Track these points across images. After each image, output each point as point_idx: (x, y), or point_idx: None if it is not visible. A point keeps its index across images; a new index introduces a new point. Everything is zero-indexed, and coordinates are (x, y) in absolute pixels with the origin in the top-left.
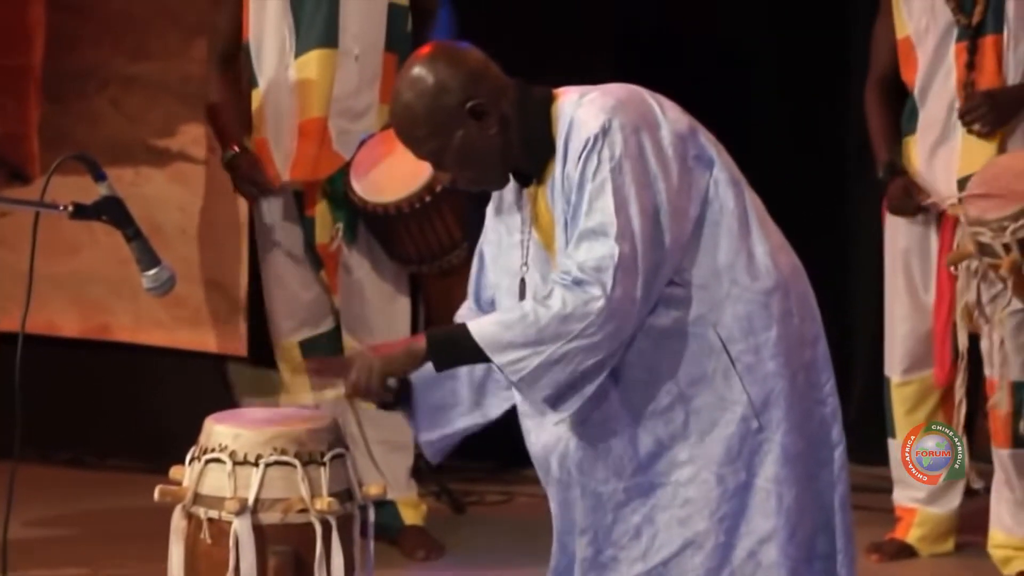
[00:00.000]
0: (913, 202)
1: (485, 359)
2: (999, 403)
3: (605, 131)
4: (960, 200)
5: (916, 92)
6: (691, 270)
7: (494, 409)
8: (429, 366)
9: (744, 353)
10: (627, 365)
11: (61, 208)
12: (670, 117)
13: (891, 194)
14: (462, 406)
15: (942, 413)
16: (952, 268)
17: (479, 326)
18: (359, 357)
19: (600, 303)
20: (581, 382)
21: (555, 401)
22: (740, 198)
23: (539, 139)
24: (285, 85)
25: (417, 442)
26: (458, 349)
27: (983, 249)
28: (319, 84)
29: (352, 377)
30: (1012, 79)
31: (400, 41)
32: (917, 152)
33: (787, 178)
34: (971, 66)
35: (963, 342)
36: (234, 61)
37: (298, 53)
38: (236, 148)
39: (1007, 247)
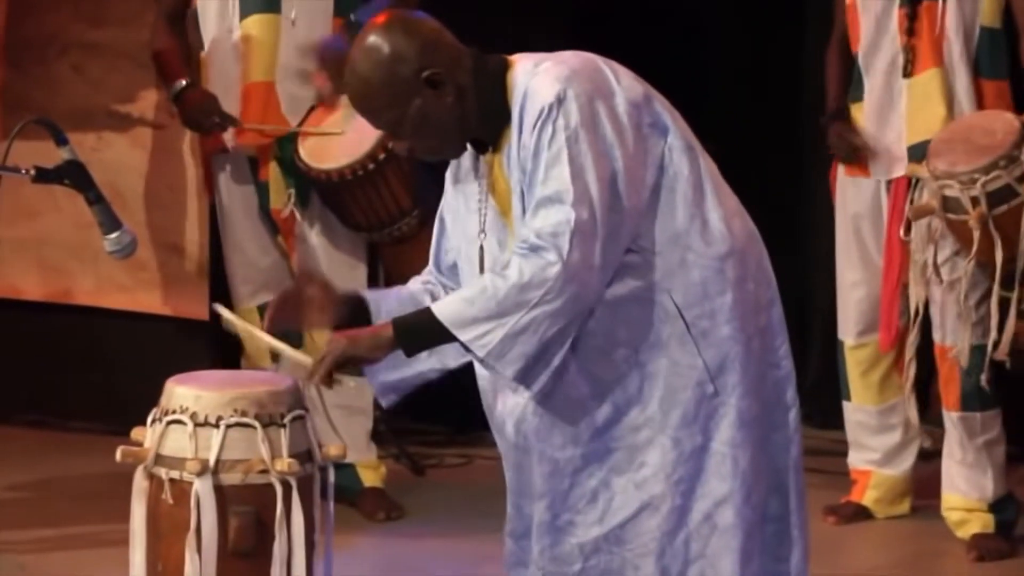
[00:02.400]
0: (846, 142)
1: (452, 339)
2: (960, 355)
3: (560, 100)
4: (920, 159)
5: (860, 58)
6: (647, 237)
7: (451, 359)
8: None
9: (699, 318)
10: (584, 334)
11: (23, 172)
12: (624, 85)
13: (829, 139)
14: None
15: (896, 375)
16: (903, 234)
17: (442, 306)
18: (330, 344)
19: (556, 268)
20: (546, 353)
21: (524, 375)
22: (695, 164)
23: (495, 107)
24: (229, 49)
25: (377, 401)
26: (424, 333)
27: (948, 204)
28: (261, 48)
29: (319, 360)
30: (953, 45)
31: (350, 7)
32: (864, 118)
33: (744, 143)
34: (911, 31)
35: (917, 302)
36: (181, 21)
37: (241, 16)
38: (184, 81)
39: (975, 200)
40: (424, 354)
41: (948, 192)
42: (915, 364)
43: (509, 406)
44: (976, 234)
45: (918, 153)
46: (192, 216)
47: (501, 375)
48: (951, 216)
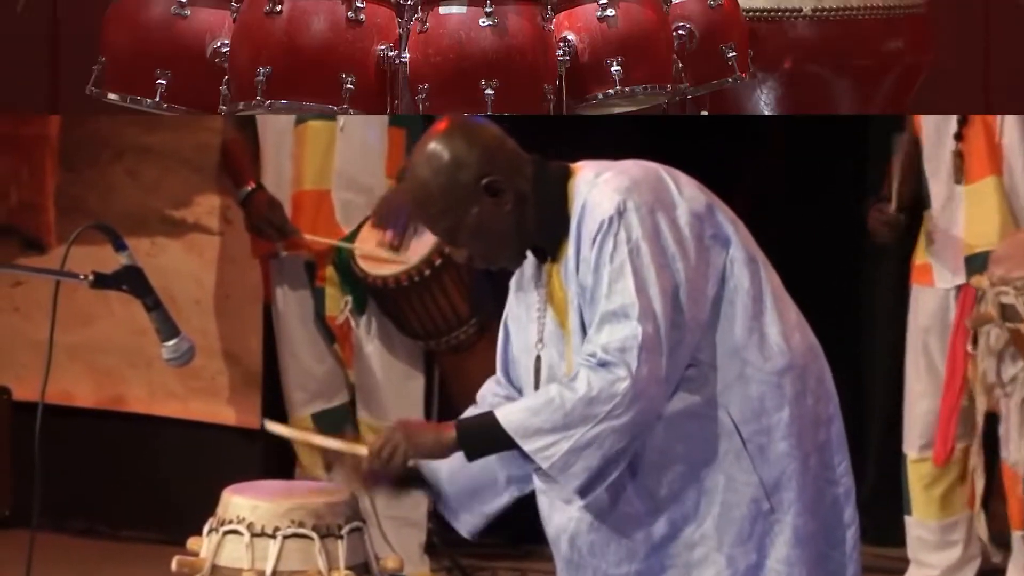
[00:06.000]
0: (881, 221)
1: (515, 447)
2: (1018, 466)
3: (620, 213)
4: (980, 269)
5: (925, 165)
6: (705, 350)
7: (528, 484)
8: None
9: (756, 434)
10: (641, 450)
11: (81, 277)
12: (687, 195)
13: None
14: (498, 484)
15: (960, 490)
16: (971, 347)
17: (506, 413)
18: (388, 433)
19: (626, 383)
20: (608, 468)
21: (586, 489)
22: (756, 277)
23: (554, 217)
24: (284, 154)
25: (431, 518)
26: (488, 438)
27: (1005, 312)
28: (314, 155)
29: (377, 449)
30: (1017, 156)
31: (408, 116)
32: (933, 226)
33: (801, 253)
34: (959, 136)
35: (980, 415)
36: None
37: (296, 121)
38: (252, 184)
39: None
40: (502, 484)
41: (1004, 299)
42: (983, 478)
43: (563, 520)
44: None
45: (977, 263)
46: (246, 324)
47: (563, 488)
48: (1010, 325)
